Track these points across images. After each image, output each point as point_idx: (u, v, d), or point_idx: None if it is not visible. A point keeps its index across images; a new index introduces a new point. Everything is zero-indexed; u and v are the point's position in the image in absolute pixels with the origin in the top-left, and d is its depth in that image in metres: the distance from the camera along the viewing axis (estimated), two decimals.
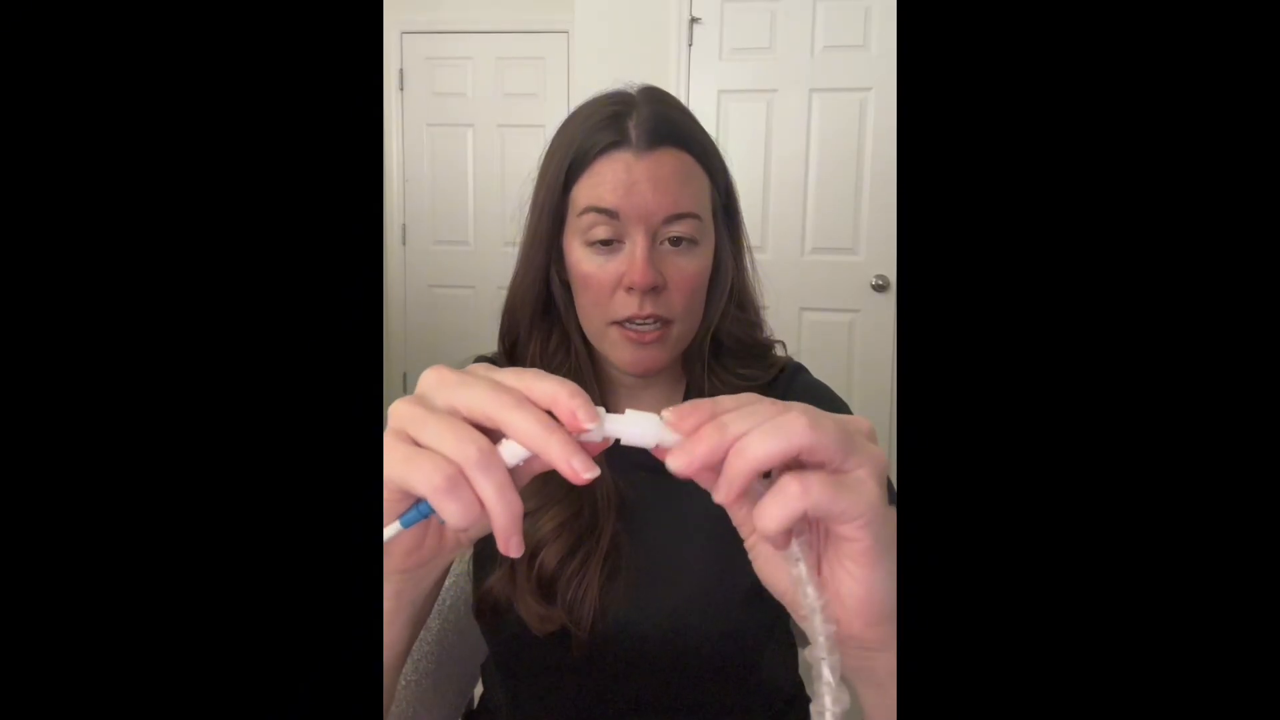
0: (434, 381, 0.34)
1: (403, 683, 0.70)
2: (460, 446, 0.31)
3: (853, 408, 0.73)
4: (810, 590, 0.32)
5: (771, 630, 0.65)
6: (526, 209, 0.69)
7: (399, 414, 0.33)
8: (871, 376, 2.56)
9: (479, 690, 0.80)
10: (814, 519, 0.32)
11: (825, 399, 0.72)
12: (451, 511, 0.31)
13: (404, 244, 3.49)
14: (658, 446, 0.32)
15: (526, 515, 0.33)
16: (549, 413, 0.32)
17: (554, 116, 3.24)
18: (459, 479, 0.31)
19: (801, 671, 0.72)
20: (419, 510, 0.33)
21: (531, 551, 0.61)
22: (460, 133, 3.42)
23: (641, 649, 0.62)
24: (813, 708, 0.32)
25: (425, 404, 0.33)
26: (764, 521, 0.30)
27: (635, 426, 0.32)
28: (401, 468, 0.31)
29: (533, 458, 0.32)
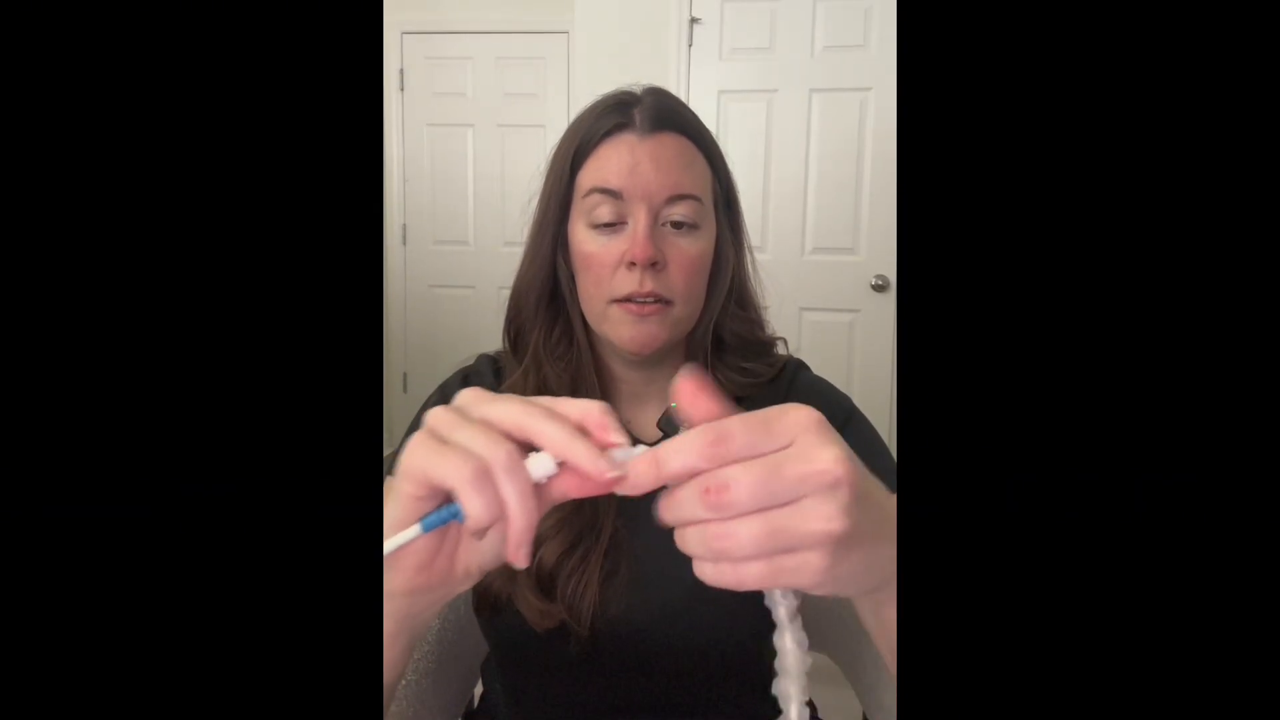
0: (470, 398, 0.35)
1: (402, 683, 0.70)
2: (490, 447, 0.32)
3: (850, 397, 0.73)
4: (789, 641, 0.32)
5: (772, 628, 0.65)
6: (534, 202, 0.70)
7: (434, 417, 0.34)
8: (871, 376, 2.56)
9: (479, 690, 0.80)
10: None
11: (826, 396, 0.72)
12: (476, 505, 0.31)
13: (404, 244, 3.49)
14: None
15: None
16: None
17: (554, 116, 3.27)
18: (486, 474, 0.31)
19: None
20: (440, 515, 0.33)
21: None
22: (460, 133, 3.42)
23: (642, 646, 0.62)
24: None
25: (460, 413, 0.34)
26: (707, 579, 0.31)
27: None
28: (431, 459, 0.32)
29: (556, 479, 0.33)
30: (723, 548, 0.29)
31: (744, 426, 0.30)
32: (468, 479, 0.31)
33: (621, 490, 0.32)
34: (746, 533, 0.29)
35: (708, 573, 0.30)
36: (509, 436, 0.33)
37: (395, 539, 0.33)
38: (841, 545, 0.30)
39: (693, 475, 0.30)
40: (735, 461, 0.30)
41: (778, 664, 0.32)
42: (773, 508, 0.29)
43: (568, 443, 0.32)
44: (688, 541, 0.30)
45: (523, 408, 0.33)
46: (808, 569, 0.29)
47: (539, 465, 0.33)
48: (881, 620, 0.37)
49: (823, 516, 0.29)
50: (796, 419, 0.31)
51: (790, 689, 0.32)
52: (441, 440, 0.33)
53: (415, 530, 0.33)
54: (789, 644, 0.32)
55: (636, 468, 0.31)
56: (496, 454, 0.31)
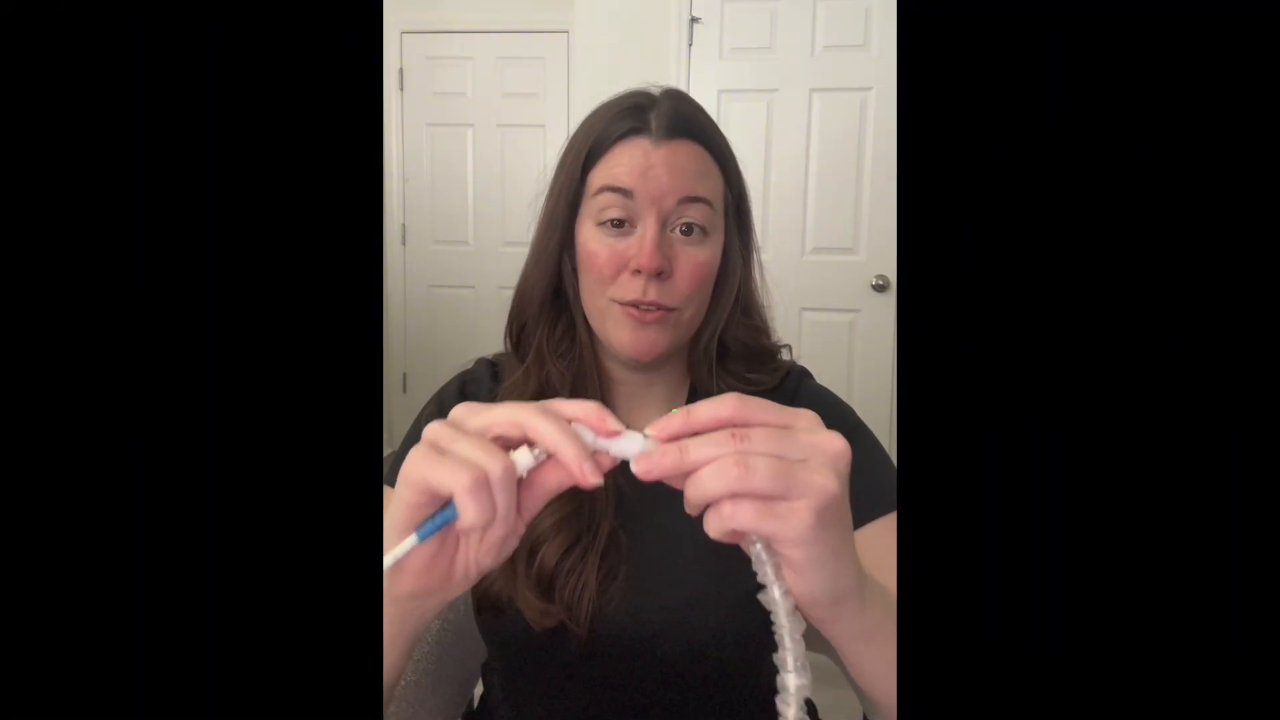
0: (465, 411, 0.37)
1: (402, 683, 0.70)
2: (489, 459, 0.34)
3: (853, 408, 0.73)
4: (777, 592, 0.35)
5: (771, 630, 0.65)
6: (541, 200, 0.69)
7: (432, 430, 0.36)
8: (871, 376, 2.56)
9: (479, 690, 0.80)
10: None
11: (830, 407, 0.72)
12: (472, 511, 0.33)
13: (404, 244, 3.49)
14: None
15: None
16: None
17: (554, 116, 3.27)
18: (484, 482, 0.34)
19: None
20: (434, 523, 0.35)
21: (530, 547, 0.61)
22: (460, 133, 3.42)
23: (640, 648, 0.62)
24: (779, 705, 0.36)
25: (456, 426, 0.36)
26: (707, 529, 0.35)
27: (639, 448, 0.35)
28: (431, 468, 0.34)
29: (542, 473, 0.36)
30: (738, 474, 0.32)
31: (757, 400, 0.36)
32: (466, 486, 0.33)
33: (644, 471, 0.34)
34: (763, 465, 0.33)
35: (712, 523, 0.34)
36: (505, 436, 0.35)
37: (394, 552, 0.34)
38: (828, 513, 0.33)
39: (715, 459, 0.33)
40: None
41: (774, 617, 0.36)
42: (784, 460, 0.34)
43: (558, 439, 0.34)
44: (703, 483, 0.33)
45: (518, 408, 0.35)
46: (795, 518, 0.33)
47: (524, 461, 0.35)
48: (827, 632, 0.40)
49: (824, 475, 0.33)
50: (801, 411, 0.36)
51: (784, 634, 0.35)
52: (441, 451, 0.35)
53: (412, 541, 0.35)
54: (777, 595, 0.35)
55: (662, 451, 0.34)
56: (494, 466, 0.34)
